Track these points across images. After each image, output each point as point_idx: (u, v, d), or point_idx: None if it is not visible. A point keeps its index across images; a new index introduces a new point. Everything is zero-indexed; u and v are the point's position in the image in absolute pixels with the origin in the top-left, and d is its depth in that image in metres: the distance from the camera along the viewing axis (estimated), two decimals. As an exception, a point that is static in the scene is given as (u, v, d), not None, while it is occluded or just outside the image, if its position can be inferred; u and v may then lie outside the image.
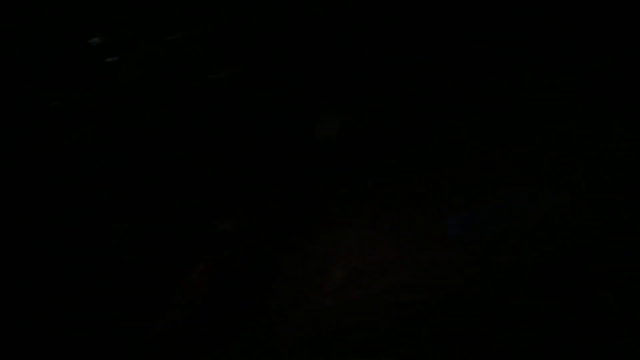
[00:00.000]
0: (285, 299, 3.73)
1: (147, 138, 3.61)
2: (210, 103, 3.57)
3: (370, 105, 3.42)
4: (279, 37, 3.42)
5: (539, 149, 2.86)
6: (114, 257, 3.97)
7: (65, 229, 3.64)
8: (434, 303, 2.83)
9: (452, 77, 3.27)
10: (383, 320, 2.94)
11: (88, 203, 3.77)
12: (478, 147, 3.04)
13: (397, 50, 3.35)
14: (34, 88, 3.65)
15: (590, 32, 2.96)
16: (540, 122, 2.97)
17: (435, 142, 3.17)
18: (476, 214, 2.97)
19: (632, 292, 2.26)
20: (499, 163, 2.92)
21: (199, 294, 3.90)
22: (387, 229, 3.48)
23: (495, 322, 2.64)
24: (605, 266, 2.33)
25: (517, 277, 2.67)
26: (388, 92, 3.36)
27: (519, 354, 2.52)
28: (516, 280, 2.69)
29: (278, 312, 3.57)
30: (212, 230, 4.23)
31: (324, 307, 3.38)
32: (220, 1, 3.56)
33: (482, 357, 2.60)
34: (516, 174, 2.86)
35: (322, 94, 3.49)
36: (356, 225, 3.69)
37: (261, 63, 3.57)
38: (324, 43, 3.44)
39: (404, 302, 2.91)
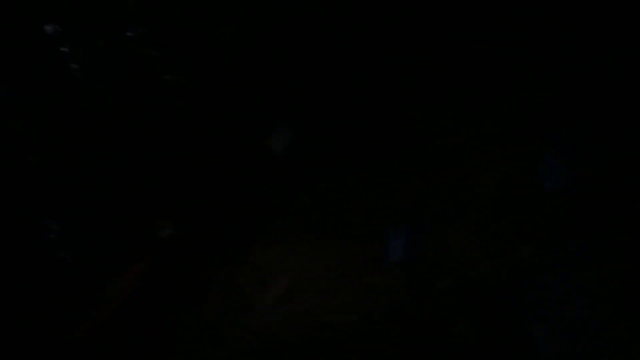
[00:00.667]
0: (219, 309, 3.45)
1: (90, 133, 3.39)
2: (160, 104, 3.38)
3: (324, 121, 3.28)
4: (236, 46, 3.30)
5: (471, 179, 2.74)
6: (45, 253, 3.73)
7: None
8: (365, 324, 2.65)
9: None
10: (314, 338, 2.73)
11: (20, 196, 3.54)
12: (421, 175, 2.92)
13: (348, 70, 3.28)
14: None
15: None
16: (467, 153, 2.87)
17: (380, 165, 3.03)
18: (413, 240, 2.84)
19: (555, 322, 2.13)
20: (441, 188, 2.78)
21: (130, 296, 3.61)
22: (327, 248, 3.28)
23: (424, 346, 2.45)
24: (533, 295, 2.18)
25: (449, 302, 2.51)
26: (343, 108, 3.24)
27: None
28: (448, 306, 2.53)
29: (210, 322, 3.29)
30: (150, 234, 3.98)
31: (257, 321, 3.13)
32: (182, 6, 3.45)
33: None
34: (451, 204, 2.74)
35: (276, 108, 3.35)
36: (298, 242, 3.48)
37: (218, 72, 3.44)
38: (280, 58, 3.34)
39: (337, 322, 2.72)
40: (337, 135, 3.35)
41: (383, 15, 3.14)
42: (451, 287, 2.62)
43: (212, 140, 3.65)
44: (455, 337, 2.44)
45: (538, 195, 2.48)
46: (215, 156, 3.72)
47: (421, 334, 2.52)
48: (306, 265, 3.30)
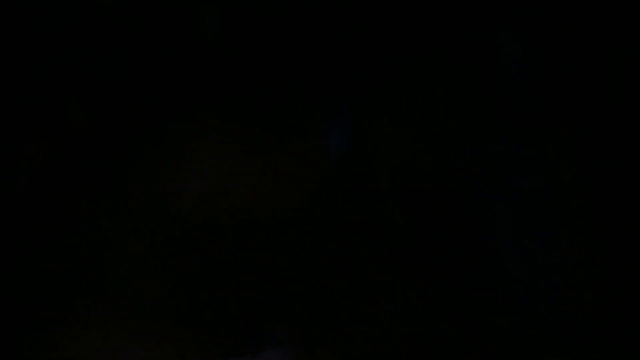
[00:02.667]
0: (128, 201, 3.58)
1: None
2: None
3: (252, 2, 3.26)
4: None
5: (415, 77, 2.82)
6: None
7: None
8: (292, 220, 2.78)
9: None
10: (231, 235, 2.87)
11: None
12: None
13: None
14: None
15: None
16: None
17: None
18: (349, 133, 2.93)
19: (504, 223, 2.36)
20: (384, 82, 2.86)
21: (31, 171, 3.62)
22: (253, 144, 3.37)
23: (354, 232, 2.65)
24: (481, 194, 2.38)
25: (386, 199, 2.66)
26: None
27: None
28: (385, 202, 2.69)
29: (115, 211, 3.41)
30: (60, 108, 3.98)
31: (169, 219, 3.27)
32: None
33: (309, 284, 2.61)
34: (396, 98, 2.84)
35: None
36: (221, 136, 3.56)
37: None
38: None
39: (259, 217, 2.86)
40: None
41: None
42: (392, 180, 2.67)
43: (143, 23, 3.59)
44: (390, 225, 2.54)
45: (495, 91, 2.53)
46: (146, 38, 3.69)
47: (356, 227, 2.64)
48: (229, 163, 3.34)
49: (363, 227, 2.46)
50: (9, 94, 3.56)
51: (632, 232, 2.16)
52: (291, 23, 3.40)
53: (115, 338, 2.99)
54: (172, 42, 3.60)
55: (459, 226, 2.37)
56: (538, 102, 2.35)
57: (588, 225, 1.91)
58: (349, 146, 2.71)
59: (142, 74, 3.61)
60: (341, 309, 2.42)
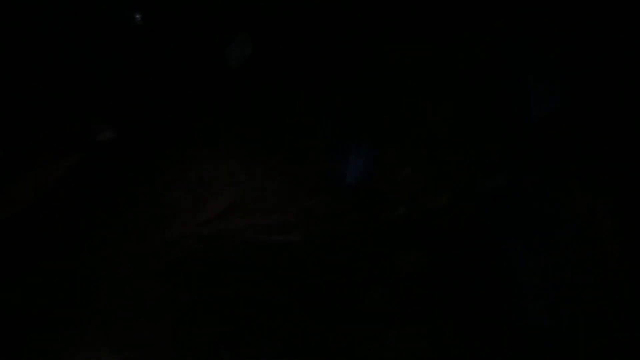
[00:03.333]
0: (147, 221, 3.54)
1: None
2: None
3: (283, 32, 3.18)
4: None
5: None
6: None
7: None
8: (305, 247, 2.71)
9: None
10: (247, 258, 2.81)
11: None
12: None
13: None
14: None
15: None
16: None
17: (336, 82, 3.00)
18: (365, 162, 2.84)
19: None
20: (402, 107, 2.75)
21: (53, 189, 3.63)
22: (270, 167, 3.31)
23: (367, 273, 2.54)
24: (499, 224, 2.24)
25: (402, 232, 2.55)
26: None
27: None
28: (400, 236, 2.57)
29: (136, 233, 3.38)
30: (84, 134, 3.97)
31: (186, 237, 3.22)
32: None
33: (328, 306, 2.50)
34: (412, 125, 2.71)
35: (235, 18, 3.23)
36: (240, 159, 3.51)
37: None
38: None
39: (274, 243, 2.79)
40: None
41: None
42: (405, 216, 2.60)
43: (159, 45, 3.57)
44: (405, 266, 2.47)
45: (517, 122, 2.42)
46: (162, 62, 3.65)
47: (366, 261, 2.57)
48: (245, 183, 3.31)
49: (373, 258, 2.28)
50: (31, 107, 3.36)
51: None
52: (315, 50, 3.14)
53: (116, 341, 2.80)
54: (198, 63, 3.40)
55: (476, 270, 2.17)
56: (569, 134, 2.07)
57: (623, 280, 1.68)
58: (365, 176, 2.54)
59: (167, 91, 3.40)
60: (339, 339, 2.24)
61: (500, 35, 2.37)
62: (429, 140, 2.61)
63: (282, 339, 2.26)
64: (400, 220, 2.45)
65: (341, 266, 2.48)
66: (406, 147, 2.81)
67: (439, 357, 2.09)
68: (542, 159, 2.05)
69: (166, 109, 4.27)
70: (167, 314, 3.05)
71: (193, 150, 4.04)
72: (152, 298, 3.28)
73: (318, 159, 3.24)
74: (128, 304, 3.41)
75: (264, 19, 3.40)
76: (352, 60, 3.02)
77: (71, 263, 3.87)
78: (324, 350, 2.31)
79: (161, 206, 3.96)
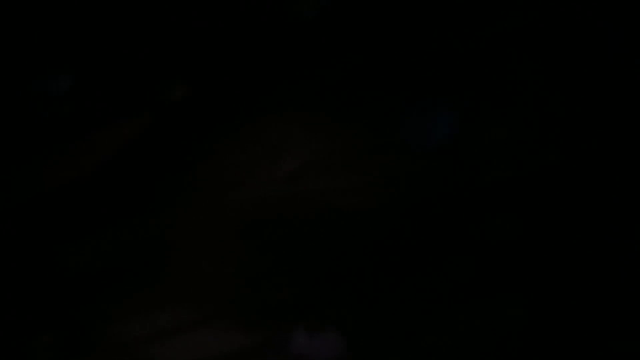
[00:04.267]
0: (219, 180, 3.47)
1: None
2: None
3: None
4: None
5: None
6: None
7: None
8: (379, 212, 2.57)
9: None
10: (318, 220, 2.70)
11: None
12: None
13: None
14: None
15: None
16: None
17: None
18: (453, 121, 2.65)
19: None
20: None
21: (121, 149, 3.60)
22: (346, 128, 3.17)
23: (445, 240, 2.39)
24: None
25: (491, 197, 2.37)
26: None
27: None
28: (489, 201, 2.39)
29: (207, 191, 3.32)
30: (157, 93, 3.94)
31: (258, 197, 3.13)
32: None
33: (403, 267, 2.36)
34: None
35: None
36: (313, 120, 3.38)
37: None
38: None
39: (347, 205, 2.66)
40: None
41: None
42: (497, 181, 2.40)
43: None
44: (496, 233, 2.27)
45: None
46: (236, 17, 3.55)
47: (451, 227, 2.38)
48: (320, 144, 3.18)
49: (459, 224, 2.11)
50: (119, 64, 3.30)
51: None
52: (397, 11, 2.95)
53: (185, 313, 2.77)
54: (271, 19, 3.24)
55: (580, 242, 1.98)
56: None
57: None
58: (451, 138, 2.36)
59: (241, 53, 3.29)
60: (420, 309, 2.10)
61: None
62: (523, 95, 2.40)
63: (356, 308, 2.16)
64: (491, 185, 2.27)
65: (423, 233, 2.34)
66: (495, 104, 2.60)
67: (532, 331, 1.94)
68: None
69: (239, 68, 4.19)
70: (239, 276, 2.97)
71: (265, 109, 3.95)
72: (226, 259, 3.20)
73: (399, 119, 3.07)
74: (202, 265, 3.35)
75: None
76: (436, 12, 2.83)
77: (143, 223, 3.84)
78: (402, 320, 2.18)
79: (232, 167, 3.89)
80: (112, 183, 3.74)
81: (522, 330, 1.88)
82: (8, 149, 3.81)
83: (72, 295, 3.18)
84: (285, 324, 2.38)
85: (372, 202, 2.50)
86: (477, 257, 2.12)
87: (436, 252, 2.27)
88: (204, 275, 3.07)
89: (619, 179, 1.99)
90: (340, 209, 2.59)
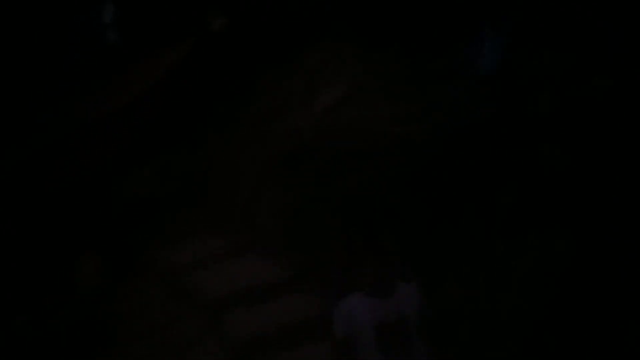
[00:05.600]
0: (263, 109, 3.42)
1: None
2: None
3: None
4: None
5: None
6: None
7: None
8: (426, 139, 2.43)
9: None
10: (364, 147, 2.60)
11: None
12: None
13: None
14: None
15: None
16: None
17: None
18: (503, 48, 2.48)
19: None
20: None
21: (161, 78, 3.59)
22: (395, 55, 3.02)
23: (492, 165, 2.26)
24: None
25: (542, 125, 2.20)
26: None
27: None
28: (539, 129, 2.23)
29: (252, 121, 3.28)
30: (197, 21, 3.87)
31: (303, 124, 3.06)
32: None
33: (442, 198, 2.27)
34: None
35: None
36: (359, 46, 3.24)
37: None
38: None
39: (394, 133, 2.54)
40: None
41: None
42: (550, 107, 2.26)
43: None
44: (546, 162, 2.09)
45: None
46: None
47: (501, 155, 2.19)
48: (361, 75, 3.05)
49: (510, 153, 2.00)
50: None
51: None
52: None
53: (222, 244, 2.70)
54: None
55: (634, 173, 1.85)
56: None
57: None
58: (501, 65, 2.22)
59: None
60: (468, 239, 2.01)
61: None
62: (571, 22, 2.22)
63: (400, 239, 2.10)
64: (543, 111, 2.13)
65: (468, 162, 2.23)
66: (546, 28, 2.43)
67: (578, 264, 1.85)
68: None
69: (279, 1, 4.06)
70: (278, 208, 2.96)
71: (308, 39, 3.83)
72: (265, 190, 3.19)
73: (448, 47, 2.91)
74: (242, 195, 3.35)
75: None
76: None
77: (186, 153, 3.85)
78: (447, 251, 2.11)
79: (276, 97, 3.83)
80: (157, 112, 3.71)
81: (568, 267, 1.81)
82: (57, 79, 3.78)
83: (118, 221, 3.22)
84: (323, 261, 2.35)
85: (415, 130, 2.40)
86: (524, 189, 2.03)
87: (482, 182, 2.18)
88: (244, 206, 3.06)
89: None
90: (383, 138, 2.50)
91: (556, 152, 2.08)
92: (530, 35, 2.33)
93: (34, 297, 2.98)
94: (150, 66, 3.79)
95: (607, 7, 2.20)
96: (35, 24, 3.62)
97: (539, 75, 2.27)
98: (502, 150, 2.22)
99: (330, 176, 2.56)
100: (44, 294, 3.03)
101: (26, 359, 2.63)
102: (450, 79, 2.55)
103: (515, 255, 1.87)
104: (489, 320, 1.84)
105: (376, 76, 2.90)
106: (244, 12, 3.77)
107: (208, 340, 2.44)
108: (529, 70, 2.26)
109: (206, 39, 3.84)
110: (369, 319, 1.48)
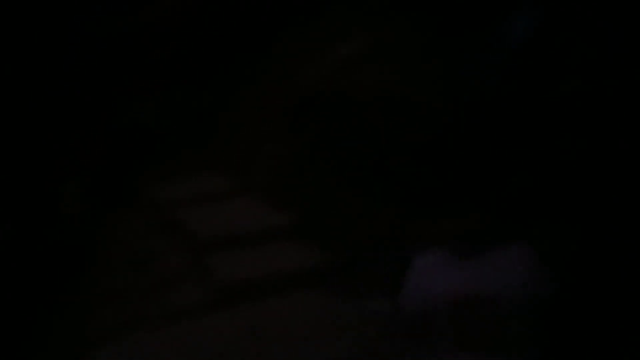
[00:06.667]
0: (276, 59, 3.33)
1: None
2: None
3: None
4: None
5: None
6: None
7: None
8: (435, 105, 2.37)
9: None
10: (368, 108, 2.53)
11: None
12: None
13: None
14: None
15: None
16: None
17: None
18: (519, 24, 2.40)
19: None
20: None
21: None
22: (414, 15, 2.94)
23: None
24: None
25: None
26: None
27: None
28: None
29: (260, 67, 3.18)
30: None
31: (312, 81, 2.98)
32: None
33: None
34: None
35: None
36: (378, 5, 3.15)
37: None
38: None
39: (401, 95, 2.47)
40: None
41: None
42: (577, 91, 2.18)
43: None
44: (554, 147, 2.08)
45: None
46: None
47: (506, 134, 2.19)
48: (383, 35, 2.96)
49: (526, 140, 1.91)
50: None
51: None
52: None
53: (221, 183, 2.62)
54: None
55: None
56: None
57: None
58: (529, 38, 2.12)
59: None
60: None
61: None
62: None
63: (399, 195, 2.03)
64: (569, 95, 2.05)
65: (482, 132, 2.16)
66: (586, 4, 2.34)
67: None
68: None
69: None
70: (282, 154, 2.88)
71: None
72: (272, 137, 3.11)
73: (473, 13, 2.84)
74: (248, 139, 3.26)
75: None
76: None
77: (196, 90, 3.74)
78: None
79: (290, 48, 3.73)
80: (172, 47, 3.60)
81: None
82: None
83: (112, 148, 3.12)
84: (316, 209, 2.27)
85: (437, 97, 2.32)
86: (539, 169, 1.96)
87: (493, 157, 2.11)
88: (248, 149, 2.97)
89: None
90: (399, 102, 2.42)
91: (577, 140, 2.01)
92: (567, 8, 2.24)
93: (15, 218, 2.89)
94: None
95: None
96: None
97: (570, 56, 2.19)
98: (520, 129, 2.14)
99: (339, 131, 2.48)
100: (25, 217, 2.94)
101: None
102: (480, 50, 2.47)
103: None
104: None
105: (398, 35, 2.80)
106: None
107: (189, 281, 2.35)
108: (562, 47, 2.18)
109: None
110: (444, 289, 1.06)
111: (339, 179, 2.39)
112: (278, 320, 1.94)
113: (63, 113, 3.11)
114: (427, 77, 2.50)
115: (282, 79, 3.01)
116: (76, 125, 3.11)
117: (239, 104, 3.20)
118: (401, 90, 2.50)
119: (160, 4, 3.45)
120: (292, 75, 2.98)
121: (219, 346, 1.82)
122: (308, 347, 1.77)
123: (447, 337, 0.97)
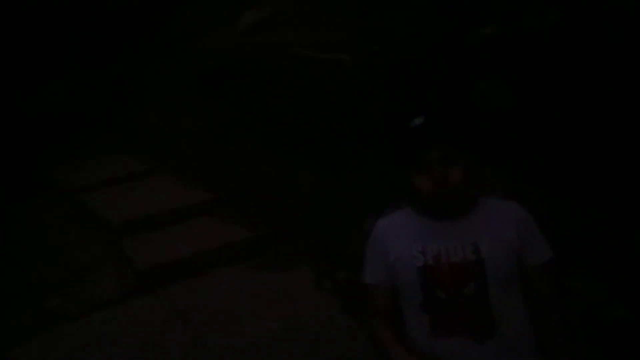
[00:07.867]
0: (187, 26, 3.20)
1: None
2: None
3: None
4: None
5: None
6: None
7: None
8: (354, 66, 2.30)
9: None
10: (279, 70, 2.42)
11: None
12: None
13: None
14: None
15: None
16: None
17: None
18: None
19: None
20: None
21: None
22: None
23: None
24: None
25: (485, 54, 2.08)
26: None
27: None
28: (482, 59, 2.10)
29: (175, 39, 3.05)
30: None
31: (220, 46, 2.86)
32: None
33: None
34: None
35: None
36: None
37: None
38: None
39: (321, 59, 2.39)
40: None
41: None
42: (492, 38, 2.12)
43: None
44: (485, 100, 2.04)
45: None
46: None
47: (435, 90, 2.13)
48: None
49: (445, 88, 1.84)
50: None
51: None
52: None
53: (134, 164, 2.40)
54: None
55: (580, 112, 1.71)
56: None
57: None
58: None
59: None
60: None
61: None
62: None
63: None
64: (484, 42, 2.00)
65: (401, 92, 2.11)
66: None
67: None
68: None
69: None
70: (203, 110, 2.73)
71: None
72: (191, 96, 2.96)
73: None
74: (170, 99, 3.09)
75: None
76: None
77: (98, 71, 3.55)
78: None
79: (200, 14, 3.59)
80: (87, 28, 3.34)
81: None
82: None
83: (21, 138, 2.91)
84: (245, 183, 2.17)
85: (347, 57, 2.25)
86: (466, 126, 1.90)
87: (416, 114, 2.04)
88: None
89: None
90: (310, 62, 2.34)
91: (496, 88, 1.96)
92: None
93: None
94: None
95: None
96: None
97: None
98: (436, 84, 2.10)
99: (252, 98, 2.39)
100: None
101: None
102: (393, 8, 2.40)
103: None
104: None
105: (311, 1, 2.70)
106: None
107: (107, 267, 2.25)
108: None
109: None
110: (414, 252, 0.86)
111: (253, 147, 2.31)
112: (205, 300, 1.87)
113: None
114: (339, 38, 2.43)
115: (188, 53, 2.88)
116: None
117: (148, 83, 3.06)
118: (310, 50, 2.41)
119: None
120: (198, 48, 2.86)
121: (147, 334, 1.74)
122: (237, 325, 1.71)
123: (415, 308, 0.86)
